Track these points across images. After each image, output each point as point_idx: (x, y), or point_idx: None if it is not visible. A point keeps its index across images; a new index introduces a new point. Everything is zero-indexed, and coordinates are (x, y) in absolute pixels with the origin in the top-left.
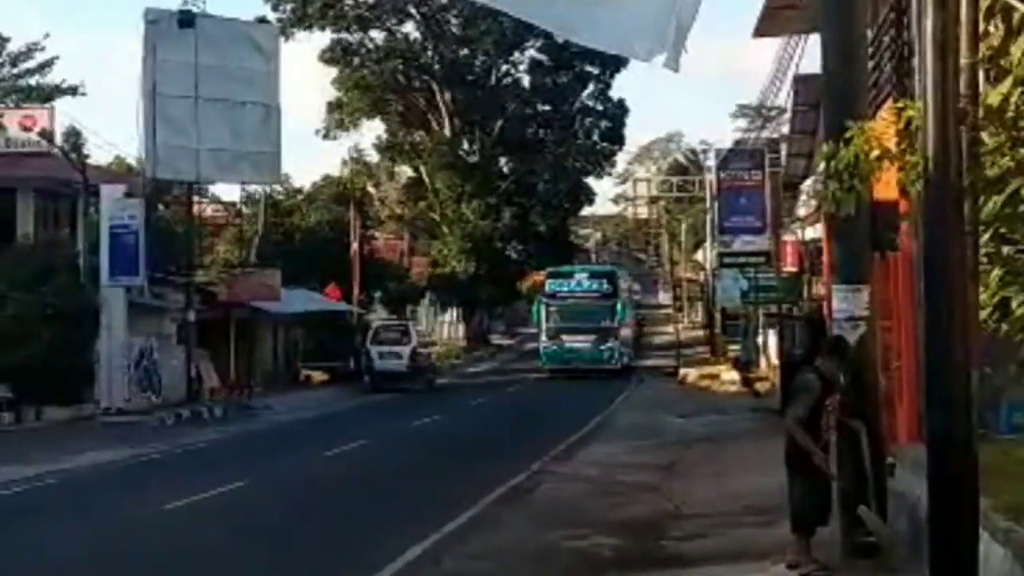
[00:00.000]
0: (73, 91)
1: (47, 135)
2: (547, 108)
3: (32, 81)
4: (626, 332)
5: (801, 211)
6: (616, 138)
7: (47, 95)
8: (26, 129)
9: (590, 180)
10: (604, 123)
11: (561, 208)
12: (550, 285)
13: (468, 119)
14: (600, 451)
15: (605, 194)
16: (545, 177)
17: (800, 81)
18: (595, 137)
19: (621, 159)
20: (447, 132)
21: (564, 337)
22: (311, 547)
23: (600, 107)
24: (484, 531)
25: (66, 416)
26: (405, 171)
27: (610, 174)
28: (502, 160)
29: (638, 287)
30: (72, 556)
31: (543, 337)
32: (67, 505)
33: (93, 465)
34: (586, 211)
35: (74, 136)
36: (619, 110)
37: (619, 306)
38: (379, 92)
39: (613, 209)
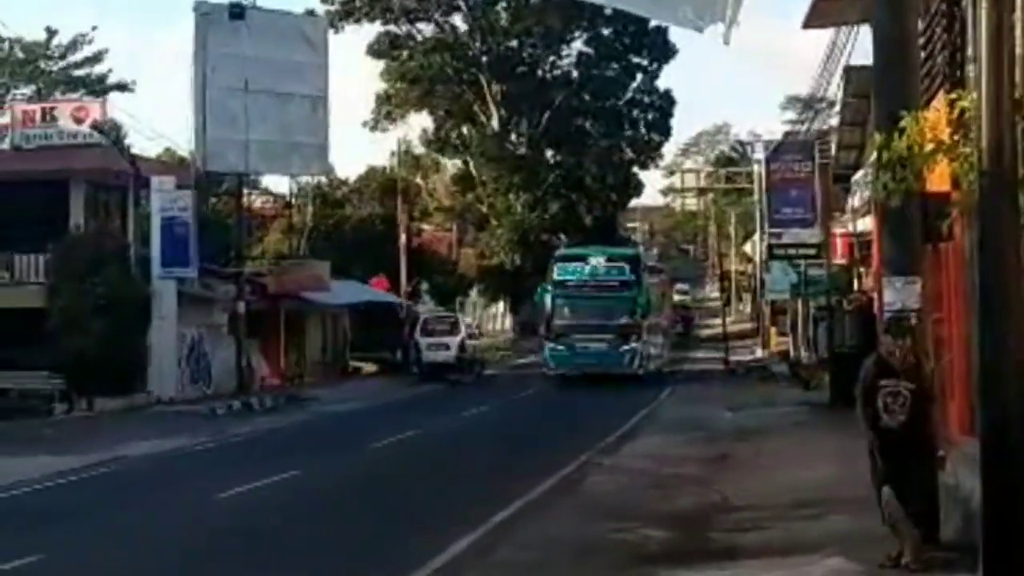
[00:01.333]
0: (123, 87)
1: (99, 127)
2: (594, 100)
3: (80, 73)
4: (654, 329)
5: (852, 203)
6: (663, 129)
7: (97, 88)
8: (78, 121)
9: (637, 171)
10: (651, 114)
11: (608, 200)
12: (558, 271)
13: (516, 111)
14: (648, 443)
15: (653, 186)
16: (592, 169)
17: (851, 72)
18: (642, 128)
19: (669, 152)
20: (495, 124)
21: (575, 336)
22: (361, 536)
23: (647, 99)
24: (532, 522)
25: (118, 406)
26: (453, 163)
27: (657, 165)
28: (549, 152)
29: (686, 285)
30: (129, 543)
31: (549, 336)
32: (122, 494)
33: (146, 455)
34: (634, 203)
35: (115, 129)
36: (666, 101)
37: (643, 297)
38: (427, 84)
39: (661, 201)
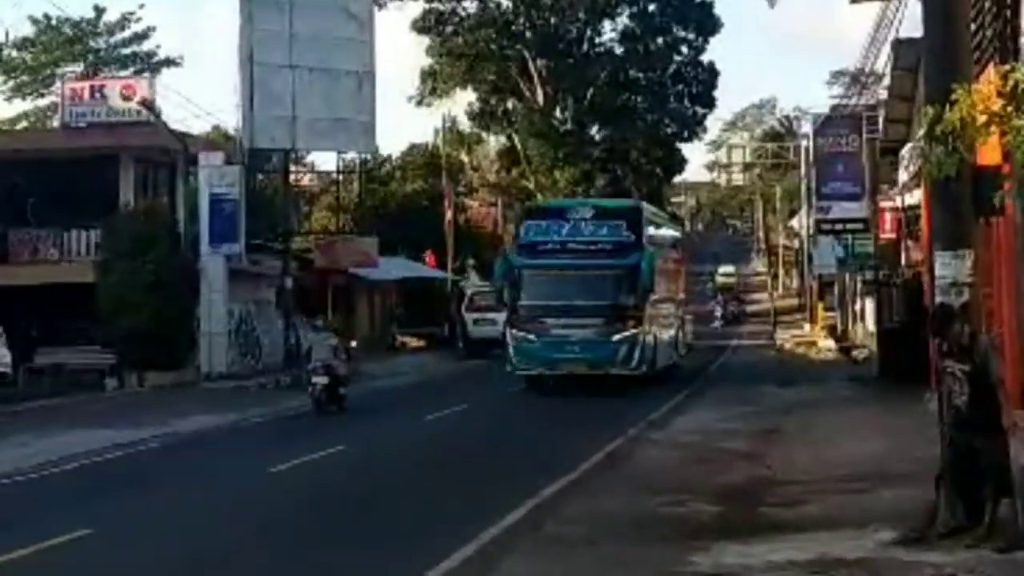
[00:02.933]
0: (170, 63)
1: (147, 104)
2: (639, 74)
3: (128, 51)
4: (665, 312)
5: (900, 177)
6: (708, 103)
7: (145, 66)
8: (126, 98)
9: (682, 146)
10: (696, 88)
11: (654, 174)
12: (527, 231)
13: (560, 87)
14: (697, 418)
15: (698, 161)
16: (638, 143)
17: (899, 46)
18: (687, 102)
19: (714, 126)
20: (539, 100)
21: (549, 321)
22: (412, 509)
23: (692, 73)
24: (581, 496)
25: (169, 381)
26: (498, 139)
27: (702, 139)
28: (594, 127)
29: (731, 268)
30: (181, 516)
31: (513, 321)
32: (174, 467)
33: (197, 429)
34: (680, 178)
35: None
36: (711, 75)
37: (647, 266)
38: (471, 60)
39: (706, 176)
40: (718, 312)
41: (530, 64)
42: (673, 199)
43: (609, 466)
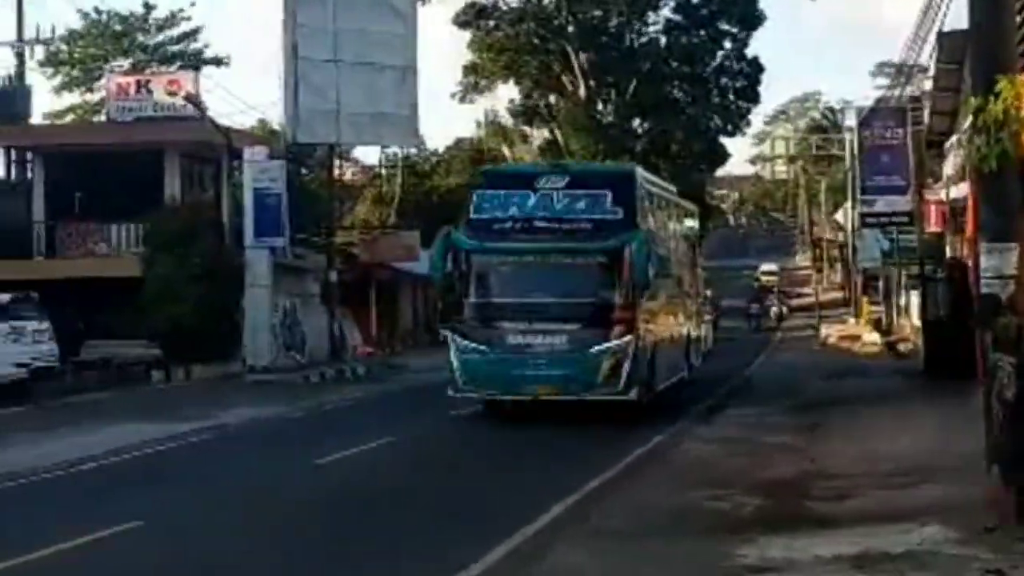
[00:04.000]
0: (218, 61)
1: (192, 99)
2: (682, 68)
3: (176, 48)
4: (668, 313)
5: (945, 170)
6: (752, 96)
7: (192, 63)
8: (171, 93)
9: (725, 140)
10: (740, 82)
11: (696, 168)
12: (479, 204)
13: (602, 80)
14: (741, 412)
15: (741, 154)
16: (680, 137)
17: (944, 37)
18: (730, 96)
19: (757, 120)
20: (582, 94)
21: (504, 327)
22: (458, 501)
23: (736, 66)
24: (626, 490)
25: (214, 374)
26: (540, 133)
27: (745, 133)
28: (636, 121)
29: (774, 267)
30: (230, 508)
31: (453, 327)
32: (222, 460)
33: (243, 422)
34: (723, 171)
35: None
36: (755, 69)
37: (639, 248)
38: (513, 55)
39: (750, 170)
40: (753, 310)
41: (572, 58)
42: (716, 192)
43: (652, 459)
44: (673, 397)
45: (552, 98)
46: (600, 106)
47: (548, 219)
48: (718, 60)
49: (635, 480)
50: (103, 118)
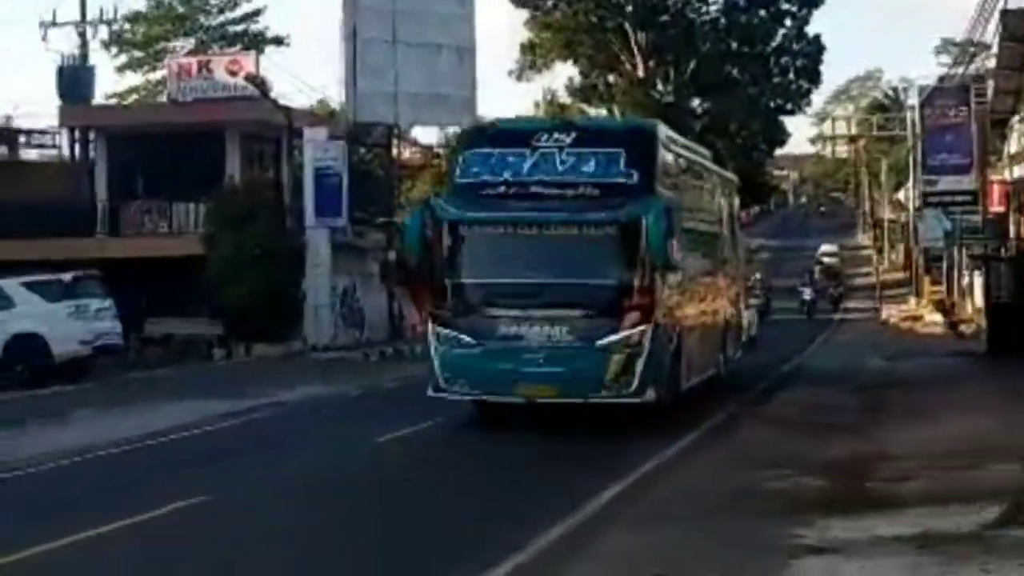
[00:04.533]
0: (279, 42)
1: (252, 79)
2: (742, 47)
3: (237, 29)
4: (698, 296)
5: (1009, 149)
6: (812, 76)
7: (253, 44)
8: (232, 74)
9: (785, 119)
10: (800, 61)
11: (755, 148)
12: (466, 166)
13: (661, 59)
14: (801, 392)
15: (802, 134)
16: (739, 117)
17: (1008, 15)
18: (791, 75)
19: (818, 99)
20: (640, 73)
21: (493, 315)
22: (513, 481)
23: (796, 45)
24: (683, 471)
25: (275, 353)
26: (598, 112)
27: (806, 113)
28: (695, 100)
29: (834, 247)
30: (291, 483)
31: (434, 315)
32: (283, 437)
33: (303, 399)
34: (783, 151)
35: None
36: (815, 47)
37: (658, 218)
38: (571, 34)
39: (810, 149)
40: (806, 295)
41: (630, 36)
42: (776, 172)
43: (710, 440)
44: (700, 397)
45: (610, 77)
46: (659, 85)
47: (548, 183)
48: (778, 39)
49: (692, 461)
50: (165, 98)
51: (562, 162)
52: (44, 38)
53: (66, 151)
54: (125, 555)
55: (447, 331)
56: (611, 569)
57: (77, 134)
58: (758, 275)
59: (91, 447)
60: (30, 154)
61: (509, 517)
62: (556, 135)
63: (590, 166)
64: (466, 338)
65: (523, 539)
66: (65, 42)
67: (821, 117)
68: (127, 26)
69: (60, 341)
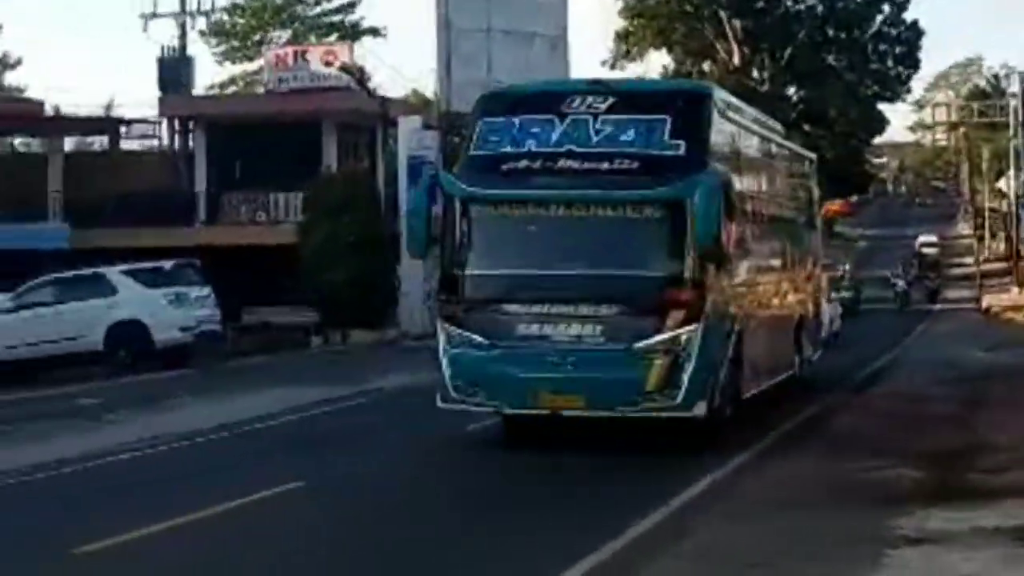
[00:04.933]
0: (375, 32)
1: (347, 69)
2: (839, 34)
3: (335, 19)
4: (760, 291)
5: None
6: (911, 62)
7: (349, 34)
8: (327, 64)
9: (884, 107)
10: (898, 47)
11: (853, 136)
12: (483, 135)
13: (757, 47)
14: (899, 383)
15: (901, 121)
16: (837, 104)
17: None
18: (889, 62)
19: (917, 86)
20: (735, 61)
21: (511, 311)
22: (615, 467)
23: (894, 31)
24: (780, 461)
25: (370, 340)
26: None
27: (904, 100)
28: (791, 88)
29: (933, 237)
30: (387, 469)
31: (447, 304)
32: (377, 423)
33: (398, 387)
34: (881, 139)
35: (359, 71)
36: (914, 33)
37: (708, 196)
38: (665, 21)
39: (909, 137)
40: (899, 286)
41: (726, 24)
42: (875, 161)
43: (807, 430)
44: (766, 404)
45: (704, 65)
46: (755, 73)
47: (579, 155)
48: (876, 25)
49: (789, 450)
50: (262, 89)
51: (596, 131)
52: (145, 30)
53: (166, 141)
54: (221, 539)
55: (458, 330)
56: (706, 560)
57: (177, 124)
58: (847, 265)
59: (189, 433)
60: (131, 144)
61: (599, 503)
62: (590, 99)
63: (629, 135)
64: (480, 338)
65: (618, 524)
66: (165, 33)
67: (920, 104)
68: (225, 17)
69: (160, 328)
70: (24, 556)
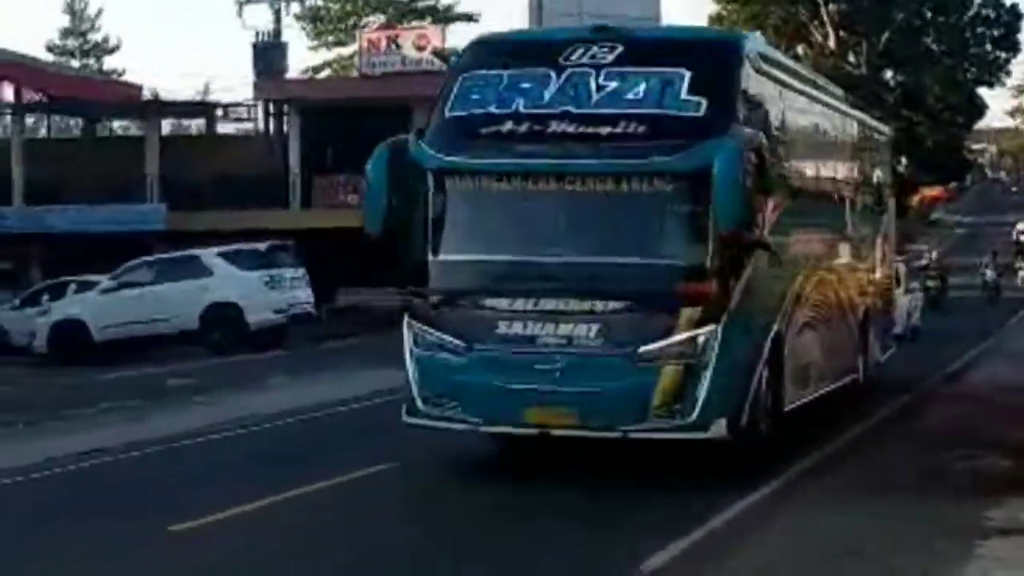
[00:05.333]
0: (468, 17)
1: (439, 54)
2: (936, 17)
3: (428, 3)
4: (806, 284)
5: None
6: (1010, 45)
7: (443, 18)
8: (420, 48)
9: (983, 91)
10: (997, 31)
11: (952, 121)
12: (462, 92)
13: (853, 31)
14: (993, 373)
15: (999, 106)
16: (934, 89)
17: None
18: (987, 46)
19: (1017, 70)
20: (831, 45)
21: (491, 306)
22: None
23: (993, 14)
24: (871, 450)
25: None
26: None
27: (1004, 84)
28: (888, 73)
29: None
30: (476, 452)
31: (410, 306)
32: None
33: None
34: (981, 124)
35: (455, 55)
36: (1013, 16)
37: (734, 163)
38: (759, 5)
39: (1009, 123)
40: (988, 276)
41: (821, 8)
42: (974, 146)
43: (898, 420)
44: (811, 419)
45: (799, 49)
46: (851, 58)
47: (577, 117)
48: (974, 8)
49: (880, 439)
50: (356, 73)
51: (599, 87)
52: (240, 14)
53: (261, 125)
54: (309, 520)
55: (427, 329)
56: (799, 546)
57: (271, 108)
58: (932, 253)
59: (283, 413)
60: (227, 128)
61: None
62: (594, 49)
63: (638, 92)
64: (453, 340)
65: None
66: (260, 18)
67: (1020, 89)
68: (319, 2)
69: (255, 310)
70: (120, 534)
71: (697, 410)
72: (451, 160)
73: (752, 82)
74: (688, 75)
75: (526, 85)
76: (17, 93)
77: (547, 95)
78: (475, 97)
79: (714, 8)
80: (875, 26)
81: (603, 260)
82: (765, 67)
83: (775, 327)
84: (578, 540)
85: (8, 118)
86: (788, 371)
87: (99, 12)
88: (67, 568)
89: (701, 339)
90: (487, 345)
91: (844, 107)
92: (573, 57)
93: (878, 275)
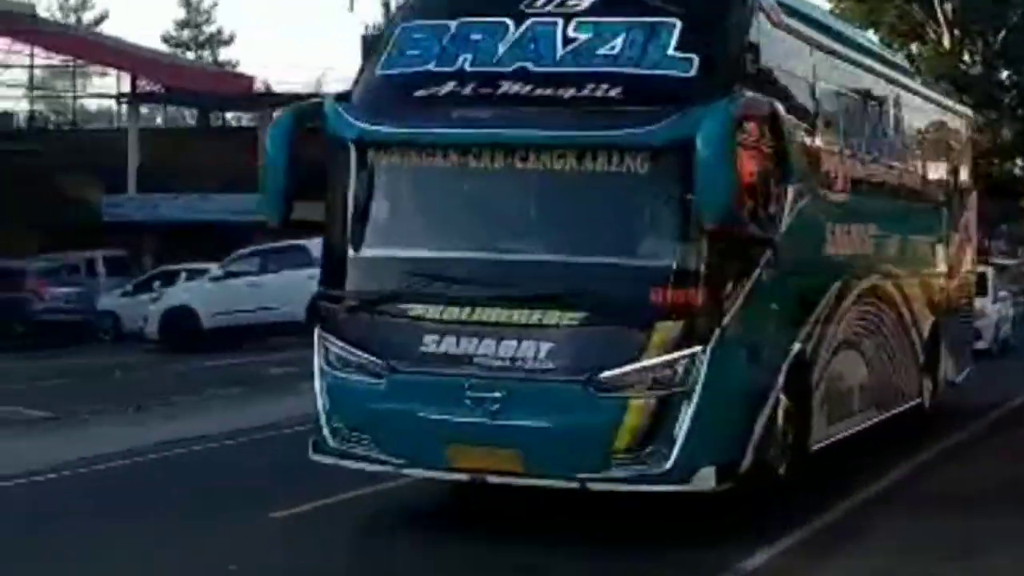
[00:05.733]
0: None
1: None
2: None
3: None
4: (841, 283)
5: None
6: None
7: None
8: None
9: None
10: None
11: None
12: (395, 48)
13: (968, 29)
14: None
15: None
16: None
17: None
18: None
19: None
20: (946, 43)
21: (418, 315)
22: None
23: None
24: (960, 462)
25: None
26: None
27: None
28: (1004, 72)
29: None
30: None
31: (320, 312)
32: None
33: None
34: None
35: None
36: None
37: (717, 131)
38: (874, 2)
39: None
40: None
41: (936, 6)
42: None
43: (989, 434)
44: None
45: (914, 47)
46: (966, 56)
47: (536, 77)
48: None
49: (968, 448)
50: None
51: (567, 40)
52: (351, 9)
53: None
54: (400, 510)
55: (339, 344)
56: (888, 553)
57: None
58: None
59: None
60: None
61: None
62: None
63: (615, 47)
64: (368, 357)
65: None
66: (369, 11)
67: None
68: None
69: None
70: (221, 520)
71: (674, 455)
72: (374, 129)
73: (766, 37)
74: (679, 26)
75: (476, 37)
76: (133, 83)
77: (501, 49)
78: (413, 52)
79: (827, 6)
80: (990, 26)
81: (558, 259)
82: (787, 20)
83: (796, 347)
84: None
85: (124, 107)
86: (817, 402)
87: (214, 4)
88: (169, 545)
89: (682, 363)
90: (410, 366)
91: (906, 80)
92: (538, 3)
93: (953, 282)
